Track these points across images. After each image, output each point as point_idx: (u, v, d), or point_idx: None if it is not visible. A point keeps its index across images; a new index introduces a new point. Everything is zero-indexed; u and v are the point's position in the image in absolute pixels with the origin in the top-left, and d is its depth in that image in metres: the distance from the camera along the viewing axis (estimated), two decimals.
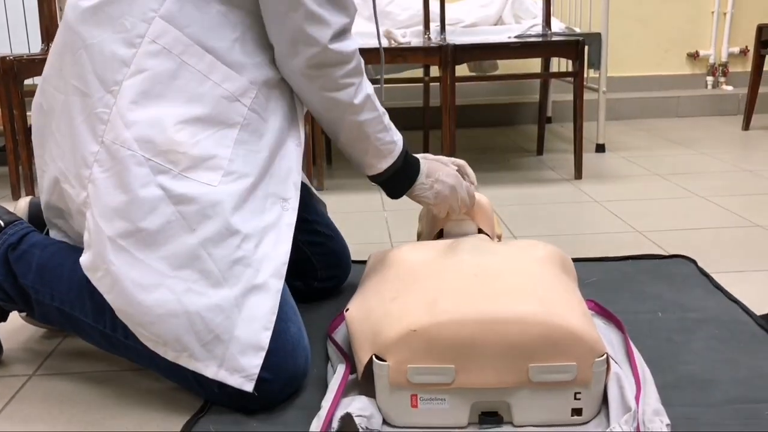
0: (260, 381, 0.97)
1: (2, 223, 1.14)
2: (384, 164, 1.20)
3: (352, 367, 1.03)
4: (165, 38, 1.00)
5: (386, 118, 1.18)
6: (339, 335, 1.19)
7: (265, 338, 0.98)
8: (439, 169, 1.26)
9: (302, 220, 1.33)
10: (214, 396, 1.01)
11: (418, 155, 1.28)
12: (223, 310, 0.96)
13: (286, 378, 1.01)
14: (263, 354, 0.97)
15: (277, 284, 1.01)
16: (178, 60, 1.00)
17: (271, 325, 0.98)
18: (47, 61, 1.10)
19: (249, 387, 0.97)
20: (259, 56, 1.07)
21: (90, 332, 1.07)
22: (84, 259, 1.01)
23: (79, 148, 1.01)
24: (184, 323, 0.96)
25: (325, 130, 1.20)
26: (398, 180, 1.23)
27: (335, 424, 0.89)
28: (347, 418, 0.89)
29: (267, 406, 1.00)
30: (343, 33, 1.07)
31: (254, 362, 0.97)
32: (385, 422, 0.96)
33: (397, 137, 1.20)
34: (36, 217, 1.27)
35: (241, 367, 0.97)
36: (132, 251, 0.97)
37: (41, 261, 1.09)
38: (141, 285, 0.96)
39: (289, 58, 1.07)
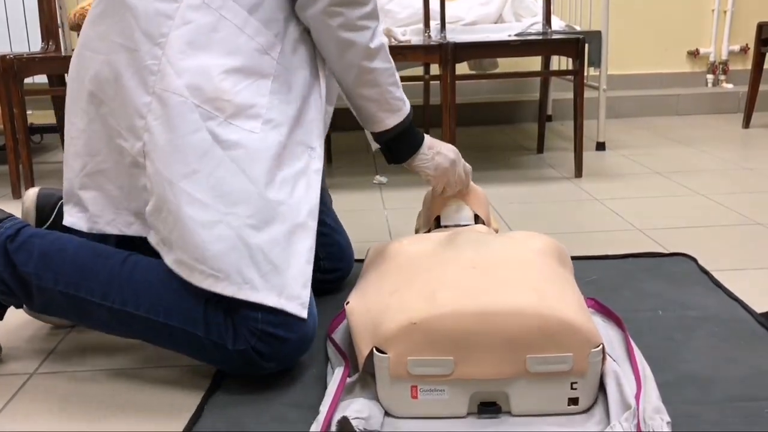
0: (275, 338, 1.03)
1: None
2: (392, 120, 1.23)
3: (350, 368, 1.03)
4: None
5: (398, 76, 1.22)
6: (338, 335, 1.19)
7: (309, 271, 1.06)
8: (440, 143, 1.31)
9: None
10: (230, 362, 1.05)
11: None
12: (279, 243, 1.04)
13: (299, 336, 1.05)
14: (309, 285, 1.05)
15: (313, 224, 1.09)
16: (217, 14, 1.06)
17: (312, 260, 1.07)
18: (82, 33, 1.14)
19: (304, 313, 1.04)
20: (282, 12, 1.12)
21: (97, 312, 1.08)
22: (149, 207, 1.06)
23: (131, 101, 1.05)
24: (245, 256, 1.01)
25: (338, 80, 1.22)
26: (403, 142, 1.27)
27: (333, 428, 0.90)
28: (344, 422, 0.90)
29: (282, 364, 1.06)
30: None
31: (305, 292, 1.05)
32: (386, 415, 0.97)
33: (406, 99, 1.25)
34: (43, 210, 1.30)
35: (297, 295, 1.04)
36: (190, 191, 1.02)
37: (42, 247, 1.10)
38: (201, 222, 1.01)
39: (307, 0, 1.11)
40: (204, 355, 1.07)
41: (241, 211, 1.02)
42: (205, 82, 1.03)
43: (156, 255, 1.08)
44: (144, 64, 1.04)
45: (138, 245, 1.14)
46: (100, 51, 1.09)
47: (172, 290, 1.05)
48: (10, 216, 1.15)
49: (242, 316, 1.03)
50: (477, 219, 1.34)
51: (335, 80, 1.23)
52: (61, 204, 1.30)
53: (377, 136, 1.26)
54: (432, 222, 1.37)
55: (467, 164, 1.35)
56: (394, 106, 1.22)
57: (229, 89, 1.04)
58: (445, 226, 1.36)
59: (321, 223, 1.36)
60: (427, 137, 1.30)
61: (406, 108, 1.24)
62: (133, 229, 1.12)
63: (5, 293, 1.14)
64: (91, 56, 1.11)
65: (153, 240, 1.08)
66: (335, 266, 1.40)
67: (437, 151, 1.30)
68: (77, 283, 1.07)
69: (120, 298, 1.06)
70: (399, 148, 1.27)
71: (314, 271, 1.35)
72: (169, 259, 1.06)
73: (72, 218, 1.16)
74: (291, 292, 1.03)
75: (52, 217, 1.31)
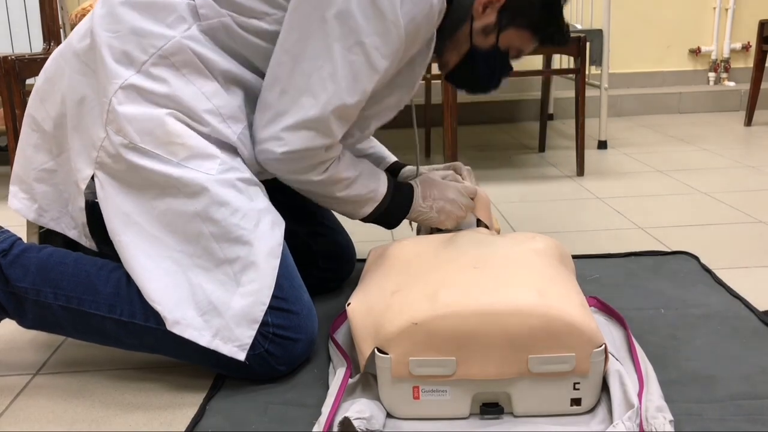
0: (287, 340, 1.06)
1: None
2: (368, 210, 1.23)
3: (352, 369, 1.03)
4: (177, 57, 1.06)
5: (361, 178, 1.19)
6: (340, 335, 1.19)
7: (260, 312, 1.03)
8: (433, 188, 1.28)
9: (306, 212, 1.36)
10: (244, 368, 1.06)
11: (418, 170, 1.32)
12: (223, 284, 1.03)
13: (307, 338, 1.09)
14: (257, 326, 1.03)
15: (273, 263, 1.06)
16: (185, 78, 1.06)
17: (268, 300, 1.04)
18: (66, 39, 1.15)
19: (241, 356, 1.03)
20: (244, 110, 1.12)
21: (100, 326, 1.07)
22: (110, 226, 1.06)
23: (88, 127, 1.07)
24: (186, 294, 1.02)
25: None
26: (389, 215, 1.26)
27: (335, 428, 0.90)
28: (346, 422, 0.90)
29: (292, 365, 1.09)
30: (316, 149, 1.09)
31: (247, 333, 1.03)
32: (388, 416, 0.97)
33: (376, 183, 1.21)
34: None
35: (235, 337, 1.03)
36: (144, 226, 1.04)
37: (39, 261, 1.09)
38: (149, 255, 1.03)
39: (258, 146, 1.10)
40: (215, 364, 1.07)
41: (190, 250, 1.03)
42: (156, 126, 1.04)
43: None
44: (103, 99, 1.05)
45: None
46: (74, 68, 1.11)
47: None
48: (2, 229, 1.14)
49: None
50: (479, 223, 1.34)
51: None
52: None
53: (363, 220, 1.26)
54: (433, 229, 1.37)
55: (471, 186, 1.32)
56: (365, 200, 1.21)
57: (183, 132, 1.04)
58: (447, 231, 1.36)
59: (318, 224, 1.37)
60: (419, 188, 1.28)
61: (380, 192, 1.22)
62: (74, 234, 1.15)
63: None
64: (66, 69, 1.12)
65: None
66: (336, 264, 1.40)
67: (433, 199, 1.27)
68: (80, 297, 1.07)
69: (128, 310, 1.06)
70: (387, 220, 1.27)
71: (313, 269, 1.37)
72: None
73: (19, 203, 1.18)
74: (228, 335, 1.02)
75: None
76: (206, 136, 1.07)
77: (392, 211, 1.25)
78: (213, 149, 1.06)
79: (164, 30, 1.06)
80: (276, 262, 1.06)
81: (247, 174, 1.10)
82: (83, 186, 1.08)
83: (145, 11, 1.07)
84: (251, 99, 1.12)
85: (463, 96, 2.47)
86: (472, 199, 1.31)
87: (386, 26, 1.02)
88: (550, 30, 1.22)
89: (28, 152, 1.17)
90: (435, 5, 1.07)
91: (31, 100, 1.17)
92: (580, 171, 2.38)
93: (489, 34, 1.18)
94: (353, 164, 1.19)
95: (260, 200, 1.09)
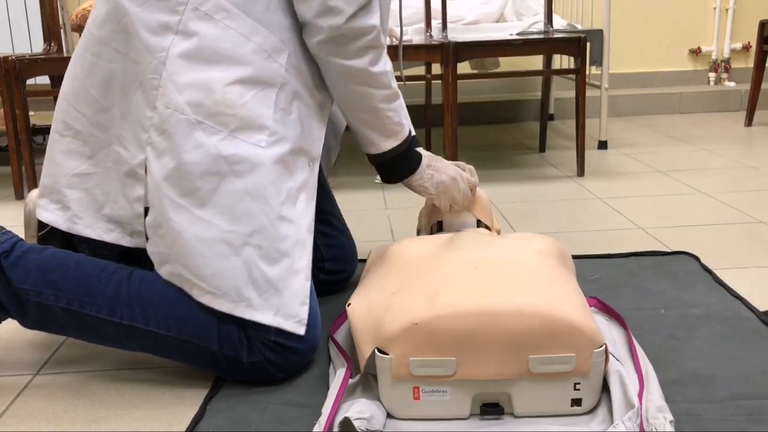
0: (288, 349, 1.06)
1: None
2: (388, 144, 1.22)
3: (352, 370, 1.03)
4: (207, 5, 1.04)
5: (400, 100, 1.21)
6: (340, 336, 1.19)
7: (307, 289, 1.07)
8: (439, 161, 1.30)
9: (319, 210, 1.35)
10: (242, 373, 1.06)
11: (420, 149, 1.29)
12: (278, 262, 1.04)
13: (308, 346, 1.09)
14: (308, 302, 1.06)
15: (311, 239, 1.09)
16: (221, 24, 1.05)
17: (310, 277, 1.08)
18: (85, 32, 1.14)
19: (302, 330, 1.05)
20: (288, 18, 1.11)
21: (101, 328, 1.07)
22: (149, 219, 1.06)
23: (135, 113, 1.06)
24: (244, 275, 1.02)
25: (336, 100, 1.20)
26: (397, 166, 1.26)
27: (335, 429, 0.90)
28: (346, 423, 0.90)
29: (291, 372, 1.08)
30: (364, 8, 1.08)
31: (303, 309, 1.06)
32: (388, 416, 0.97)
33: (407, 122, 1.23)
34: None
35: (294, 313, 1.05)
36: (191, 209, 1.02)
37: (41, 263, 1.09)
38: (202, 240, 1.02)
39: (312, 27, 1.09)
40: (215, 367, 1.07)
41: (241, 228, 1.03)
42: (206, 96, 1.02)
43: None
44: (146, 78, 1.04)
45: (135, 258, 1.13)
46: (102, 57, 1.09)
47: (183, 305, 1.05)
48: (3, 230, 1.14)
49: (256, 329, 1.04)
50: (479, 224, 1.34)
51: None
52: None
53: (371, 156, 1.26)
54: (433, 228, 1.37)
55: (472, 178, 1.34)
56: (392, 130, 1.21)
57: (234, 102, 1.03)
58: (447, 231, 1.36)
59: (328, 224, 1.37)
60: (426, 157, 1.29)
61: (405, 132, 1.23)
62: (112, 237, 1.12)
63: None
64: (94, 61, 1.10)
65: (150, 249, 1.08)
66: (339, 268, 1.40)
67: (436, 169, 1.28)
68: (81, 299, 1.07)
69: (129, 313, 1.05)
70: (392, 170, 1.27)
71: (317, 273, 1.36)
72: (163, 271, 1.06)
73: (50, 214, 1.15)
74: (288, 311, 1.04)
75: None
76: (255, 80, 1.05)
77: (407, 157, 1.25)
78: (263, 116, 1.05)
79: None
80: (311, 237, 1.10)
81: (293, 143, 1.09)
82: (141, 171, 1.05)
83: None
84: (285, 23, 1.10)
85: (463, 96, 2.46)
86: (472, 192, 1.31)
87: None
88: None
89: (57, 159, 1.15)
90: None
91: (59, 105, 1.15)
92: (581, 171, 2.38)
93: None
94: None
95: (300, 174, 1.10)
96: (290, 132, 1.09)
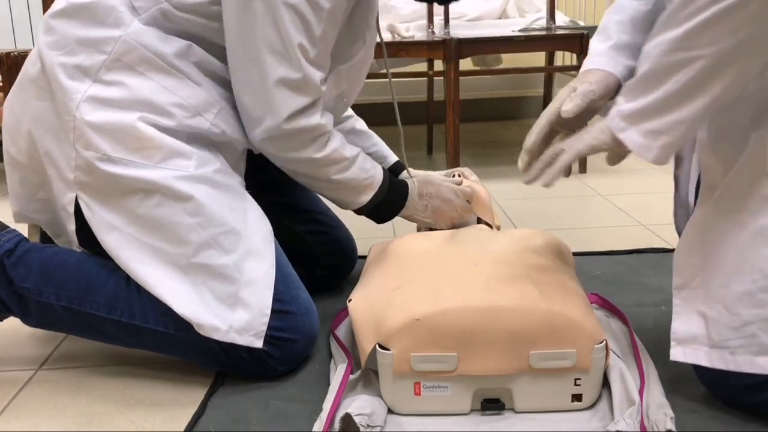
0: (285, 341, 1.06)
1: None
2: (364, 198, 1.21)
3: (353, 365, 1.03)
4: (130, 56, 1.04)
5: (358, 161, 1.18)
6: (341, 331, 1.19)
7: (268, 297, 1.04)
8: (429, 185, 1.28)
9: (302, 210, 1.35)
10: (242, 368, 1.06)
11: (417, 172, 1.31)
12: (226, 277, 1.03)
13: (307, 337, 1.09)
14: (269, 311, 1.03)
15: (270, 246, 1.07)
16: (143, 75, 1.04)
17: (272, 286, 1.04)
18: (22, 68, 1.13)
19: (258, 344, 1.03)
20: (227, 74, 1.10)
21: (102, 326, 1.08)
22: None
23: (60, 152, 1.06)
24: (192, 292, 1.02)
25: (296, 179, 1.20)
26: (385, 207, 1.25)
27: (336, 425, 0.90)
28: (347, 419, 0.90)
29: (292, 364, 1.09)
30: (301, 111, 1.08)
31: (261, 320, 1.03)
32: (389, 412, 0.97)
33: (375, 171, 1.21)
34: None
35: (249, 327, 1.03)
36: (136, 235, 1.04)
37: (42, 262, 1.09)
38: (150, 264, 1.03)
39: (248, 127, 1.11)
40: (216, 362, 1.07)
41: (185, 250, 1.03)
42: (124, 135, 1.02)
43: None
44: (65, 120, 1.04)
45: None
46: (31, 94, 1.09)
47: None
48: (7, 228, 1.14)
49: None
50: (479, 222, 1.33)
51: None
52: None
53: (356, 212, 1.25)
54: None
55: (467, 189, 1.31)
56: (363, 187, 1.20)
57: (154, 136, 1.03)
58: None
59: (315, 222, 1.37)
60: (414, 186, 1.27)
61: (377, 180, 1.21)
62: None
63: (0, 309, 1.13)
64: (25, 97, 1.11)
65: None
66: (337, 261, 1.40)
67: (429, 196, 1.26)
68: (81, 298, 1.07)
69: (128, 311, 1.06)
70: (380, 214, 1.26)
71: (314, 266, 1.36)
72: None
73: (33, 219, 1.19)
74: (241, 326, 1.02)
75: None
76: (176, 132, 1.05)
77: (389, 201, 1.24)
78: (186, 147, 1.05)
79: (108, 32, 1.04)
80: (272, 247, 1.07)
81: (225, 165, 1.10)
82: (71, 209, 1.07)
83: (83, 18, 1.05)
84: (218, 78, 1.11)
85: (465, 93, 2.46)
86: (469, 201, 1.30)
87: None
88: None
89: (17, 190, 1.17)
90: None
91: (3, 138, 1.16)
92: (583, 168, 2.38)
93: None
94: (350, 146, 1.18)
95: (243, 195, 1.10)
96: (217, 156, 1.10)
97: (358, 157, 1.19)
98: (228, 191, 1.08)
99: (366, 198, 1.21)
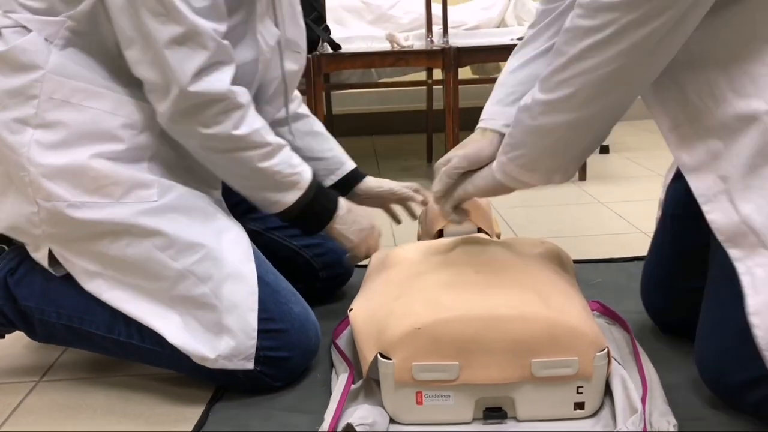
0: (280, 360, 1.05)
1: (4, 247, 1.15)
2: (290, 198, 1.11)
3: (354, 375, 1.03)
4: (61, 91, 1.01)
5: (284, 151, 1.09)
6: (343, 341, 1.19)
7: (252, 318, 1.02)
8: (357, 207, 1.22)
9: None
10: (239, 382, 1.05)
11: (371, 178, 1.32)
12: (207, 305, 1.02)
13: (302, 353, 1.08)
14: (255, 333, 1.02)
15: (250, 265, 1.05)
16: (80, 106, 1.01)
17: (256, 306, 1.03)
18: None
19: (250, 365, 1.03)
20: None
21: (102, 344, 1.09)
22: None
23: (22, 212, 1.04)
24: (179, 325, 1.02)
25: (216, 174, 1.13)
26: (312, 214, 1.15)
27: None
28: (349, 429, 0.90)
29: (289, 379, 1.08)
30: (205, 70, 1.00)
31: (248, 343, 1.02)
32: (391, 421, 0.97)
33: (302, 168, 1.11)
34: None
35: (237, 351, 1.02)
36: (114, 276, 1.04)
37: (44, 281, 1.09)
38: (132, 302, 1.04)
39: (156, 104, 1.03)
40: (214, 380, 1.08)
41: (162, 284, 1.03)
42: (81, 176, 1.00)
43: None
44: (18, 176, 1.02)
45: None
46: None
47: None
48: (12, 245, 1.14)
49: None
50: (479, 230, 1.33)
51: None
52: None
53: (280, 216, 1.14)
54: (434, 237, 1.36)
55: (418, 204, 1.33)
56: (288, 183, 1.10)
57: (110, 172, 1.01)
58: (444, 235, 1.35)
59: (310, 236, 1.34)
60: (342, 202, 1.18)
61: (305, 179, 1.11)
62: None
63: (5, 325, 1.14)
64: None
65: None
66: (334, 272, 1.39)
67: (357, 214, 1.19)
68: (80, 317, 1.08)
69: (126, 331, 1.07)
70: (309, 219, 1.15)
71: (314, 281, 1.36)
72: None
73: None
74: (230, 352, 1.02)
75: None
76: (130, 155, 1.03)
77: (317, 204, 1.13)
78: (145, 175, 1.03)
79: (28, 75, 1.00)
80: (252, 266, 1.05)
81: (191, 184, 1.08)
82: (46, 263, 1.06)
83: (2, 69, 1.01)
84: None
85: (465, 101, 2.47)
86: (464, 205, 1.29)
87: None
88: None
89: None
90: None
91: None
92: (582, 175, 2.38)
93: None
94: (276, 136, 1.09)
95: (214, 215, 1.08)
96: (179, 178, 1.08)
97: (284, 148, 1.09)
98: (197, 215, 1.06)
99: (292, 198, 1.11)
